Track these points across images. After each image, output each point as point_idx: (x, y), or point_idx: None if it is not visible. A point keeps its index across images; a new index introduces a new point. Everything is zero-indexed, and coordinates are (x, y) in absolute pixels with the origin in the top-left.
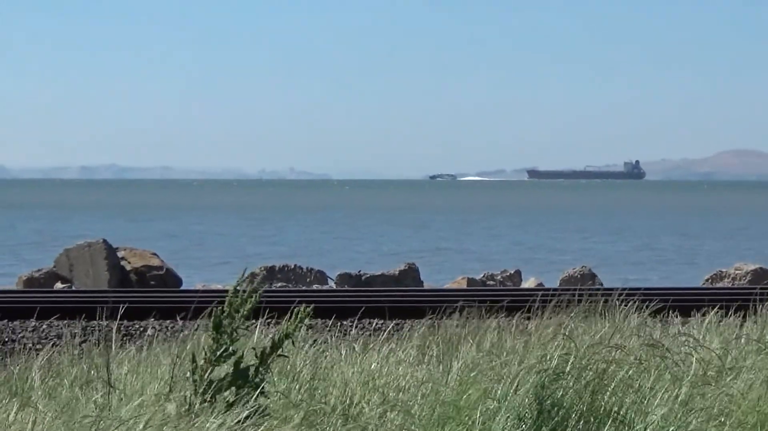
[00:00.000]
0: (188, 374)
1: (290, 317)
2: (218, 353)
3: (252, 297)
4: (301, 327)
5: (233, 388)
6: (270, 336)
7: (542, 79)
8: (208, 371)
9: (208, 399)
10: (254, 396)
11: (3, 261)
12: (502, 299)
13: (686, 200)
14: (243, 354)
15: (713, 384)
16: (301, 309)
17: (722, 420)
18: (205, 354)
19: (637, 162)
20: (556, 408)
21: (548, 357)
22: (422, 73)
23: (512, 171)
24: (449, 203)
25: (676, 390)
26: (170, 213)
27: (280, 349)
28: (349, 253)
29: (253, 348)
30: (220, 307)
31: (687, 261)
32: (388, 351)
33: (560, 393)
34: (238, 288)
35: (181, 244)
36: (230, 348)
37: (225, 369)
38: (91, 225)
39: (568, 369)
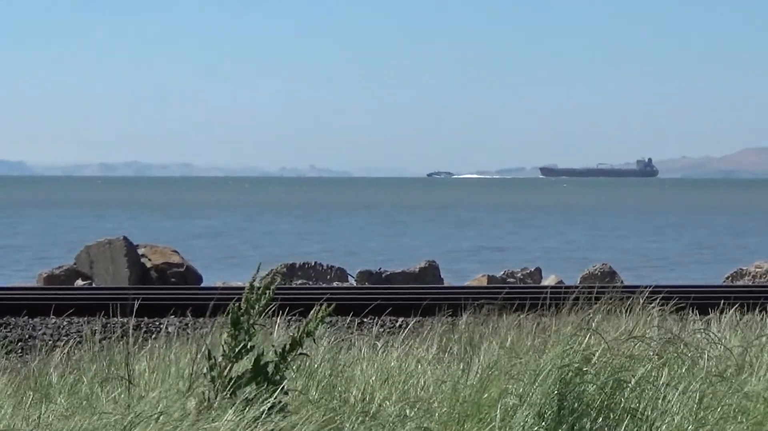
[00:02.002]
0: (205, 371)
1: (311, 314)
2: (236, 349)
3: (266, 292)
4: (321, 325)
5: (253, 385)
6: (290, 333)
7: (562, 77)
8: (227, 368)
9: (228, 396)
10: (274, 393)
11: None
12: (518, 297)
13: (706, 198)
14: (263, 351)
15: (732, 382)
16: (323, 306)
17: (740, 418)
18: (224, 350)
19: (650, 160)
20: (576, 405)
21: (569, 353)
22: (436, 71)
23: (531, 168)
24: (475, 201)
25: (694, 387)
26: (212, 211)
27: (301, 347)
28: (398, 251)
29: (273, 346)
30: (238, 304)
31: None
32: (408, 349)
33: (581, 389)
34: (254, 284)
35: (228, 242)
36: (248, 344)
37: (244, 365)
38: (134, 223)
39: (593, 361)
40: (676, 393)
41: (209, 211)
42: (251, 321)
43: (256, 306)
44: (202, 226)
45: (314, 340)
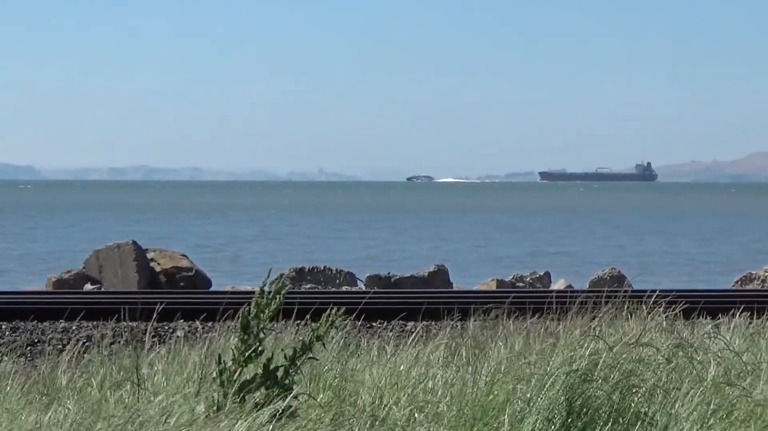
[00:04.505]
0: (214, 375)
1: (320, 319)
2: (246, 353)
3: (277, 297)
4: (331, 329)
5: (262, 389)
6: (298, 337)
7: (571, 79)
8: (237, 372)
9: (237, 400)
10: (285, 398)
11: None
12: (524, 301)
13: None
14: (272, 355)
15: (739, 386)
16: (333, 311)
17: (748, 423)
18: (233, 354)
19: (649, 164)
20: (585, 410)
21: (577, 358)
22: (442, 75)
23: (540, 172)
24: (489, 205)
25: (703, 392)
26: (243, 215)
27: (311, 351)
28: (445, 256)
29: (282, 349)
30: (248, 308)
31: None
32: (417, 353)
33: (589, 393)
34: (264, 289)
35: (272, 247)
36: (258, 348)
37: (253, 369)
38: (169, 227)
39: (599, 367)
40: (685, 398)
41: (240, 214)
42: (261, 326)
43: (266, 311)
44: (249, 232)
45: (324, 344)
